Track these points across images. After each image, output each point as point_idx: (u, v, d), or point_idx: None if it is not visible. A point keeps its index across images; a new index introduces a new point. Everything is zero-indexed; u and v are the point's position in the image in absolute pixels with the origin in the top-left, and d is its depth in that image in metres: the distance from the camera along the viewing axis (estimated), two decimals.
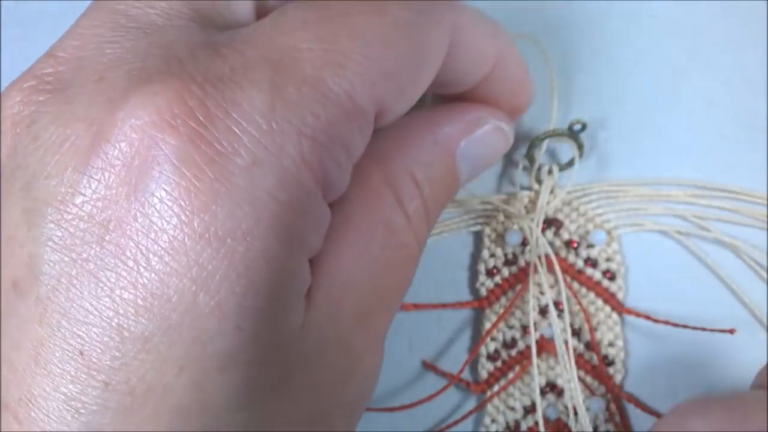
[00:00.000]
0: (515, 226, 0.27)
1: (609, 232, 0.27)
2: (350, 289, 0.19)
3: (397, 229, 0.20)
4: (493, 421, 0.27)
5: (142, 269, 0.16)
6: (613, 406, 0.26)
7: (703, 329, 0.26)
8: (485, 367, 0.27)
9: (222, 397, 0.17)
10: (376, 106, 0.18)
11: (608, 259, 0.27)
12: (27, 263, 0.17)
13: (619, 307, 0.27)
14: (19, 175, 0.17)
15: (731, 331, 0.26)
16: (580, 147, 0.27)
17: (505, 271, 0.27)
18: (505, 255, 0.27)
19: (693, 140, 0.28)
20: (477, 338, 0.27)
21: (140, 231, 0.16)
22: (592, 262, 0.27)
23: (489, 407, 0.27)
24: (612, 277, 0.27)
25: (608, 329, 0.27)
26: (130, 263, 0.16)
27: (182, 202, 0.16)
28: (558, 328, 0.26)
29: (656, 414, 0.27)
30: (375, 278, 0.20)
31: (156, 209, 0.16)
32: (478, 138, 0.23)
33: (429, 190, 0.21)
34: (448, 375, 0.27)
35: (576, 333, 0.27)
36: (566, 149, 0.28)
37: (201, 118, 0.16)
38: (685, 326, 0.26)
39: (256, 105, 0.16)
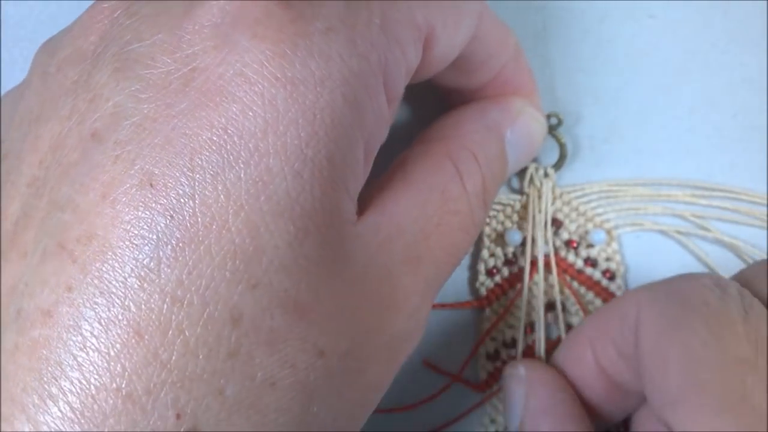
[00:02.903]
0: (515, 226, 0.27)
1: (609, 232, 0.27)
2: (401, 232, 0.20)
3: (453, 197, 0.22)
4: (493, 421, 0.27)
5: (220, 109, 0.17)
6: None
7: None
8: (485, 367, 0.27)
9: (272, 246, 0.17)
10: (427, 27, 0.20)
11: (608, 259, 0.27)
12: (112, 112, 0.18)
13: None
14: (113, 45, 0.18)
15: None
16: (561, 144, 0.27)
17: (505, 271, 0.27)
18: (505, 255, 0.27)
19: (693, 140, 0.28)
20: (477, 338, 0.27)
21: (223, 75, 0.17)
22: (591, 262, 0.27)
23: (489, 407, 0.27)
24: (612, 277, 0.27)
25: None
26: (210, 104, 0.17)
27: (264, 49, 0.17)
28: (540, 329, 0.26)
29: None
30: (426, 231, 0.21)
31: (240, 56, 0.17)
32: (519, 126, 0.25)
33: (487, 169, 0.23)
34: (448, 375, 0.27)
35: None
36: (551, 151, 0.28)
37: None
38: None
39: None
